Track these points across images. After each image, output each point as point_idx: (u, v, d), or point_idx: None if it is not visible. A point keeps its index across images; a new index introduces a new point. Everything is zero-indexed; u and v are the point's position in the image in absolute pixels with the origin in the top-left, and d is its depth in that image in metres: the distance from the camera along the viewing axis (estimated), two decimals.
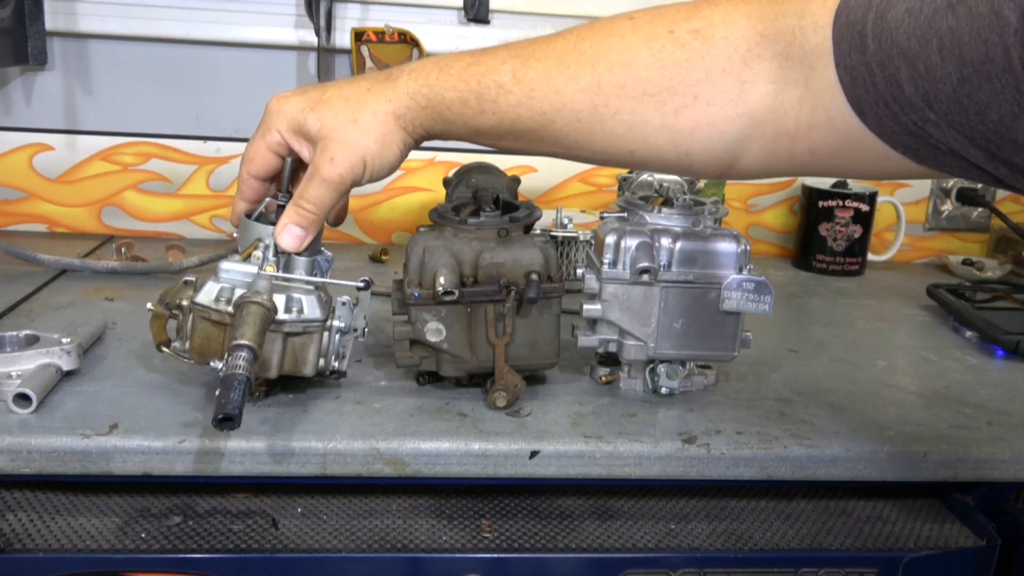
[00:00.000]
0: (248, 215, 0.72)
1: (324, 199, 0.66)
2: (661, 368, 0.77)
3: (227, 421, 0.57)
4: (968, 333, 1.00)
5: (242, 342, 0.61)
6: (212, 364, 0.66)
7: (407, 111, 0.65)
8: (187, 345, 0.70)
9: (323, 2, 1.15)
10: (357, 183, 0.67)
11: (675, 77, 0.56)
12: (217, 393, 0.58)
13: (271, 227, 0.69)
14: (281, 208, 0.72)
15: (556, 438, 0.69)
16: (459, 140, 0.67)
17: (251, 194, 0.71)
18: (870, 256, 1.30)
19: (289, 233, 0.67)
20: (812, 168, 0.57)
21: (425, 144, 1.22)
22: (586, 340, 0.77)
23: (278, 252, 0.69)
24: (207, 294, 0.68)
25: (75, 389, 0.72)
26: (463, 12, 1.20)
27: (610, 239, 0.75)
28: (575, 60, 0.59)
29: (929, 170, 0.52)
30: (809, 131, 0.54)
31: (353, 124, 0.65)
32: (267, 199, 0.72)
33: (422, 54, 1.20)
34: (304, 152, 0.67)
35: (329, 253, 0.76)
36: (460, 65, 0.63)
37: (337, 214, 0.73)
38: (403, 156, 0.67)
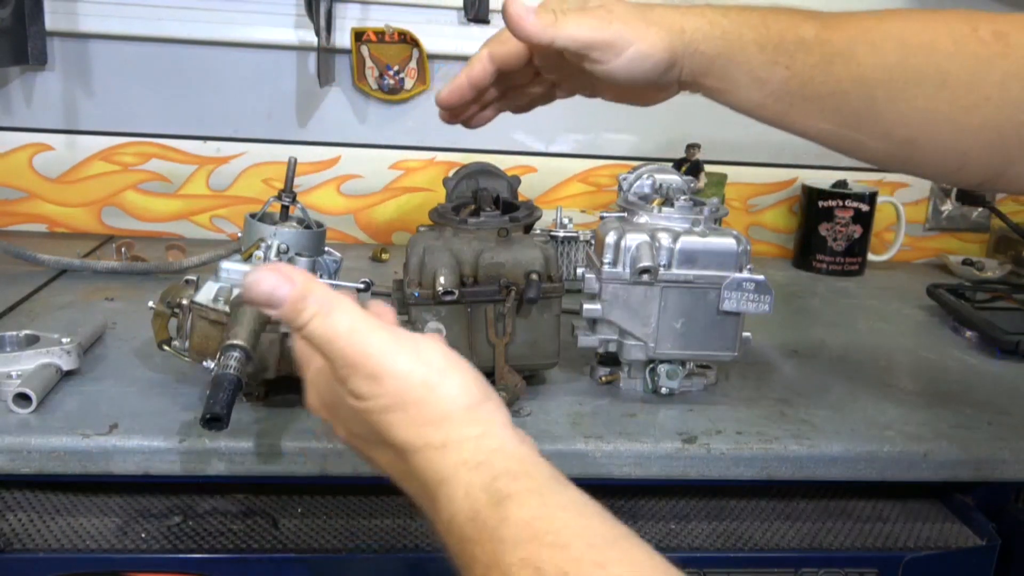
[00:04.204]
0: (252, 215, 0.72)
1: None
2: (661, 368, 0.77)
3: (215, 421, 0.57)
4: (968, 333, 1.00)
5: (234, 342, 0.60)
6: (205, 364, 0.66)
7: (696, 31, 0.61)
8: (187, 344, 0.70)
9: (323, 2, 1.14)
10: (605, 45, 0.60)
11: (975, 72, 0.57)
12: (207, 393, 0.58)
13: (273, 227, 0.70)
14: (285, 208, 0.72)
15: (556, 438, 0.69)
16: (719, 91, 0.62)
17: (479, 74, 0.65)
18: (870, 256, 1.30)
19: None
20: None
21: (425, 144, 1.22)
22: (586, 340, 0.77)
23: (280, 252, 0.69)
24: (206, 293, 0.68)
25: (75, 389, 0.72)
26: (463, 12, 1.20)
27: (610, 239, 0.75)
28: (880, 36, 0.59)
29: None
30: None
31: (637, 10, 0.61)
32: (270, 199, 0.72)
33: (422, 54, 1.20)
34: None
35: (337, 254, 0.76)
36: (761, 11, 0.61)
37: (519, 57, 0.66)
38: (662, 69, 0.61)
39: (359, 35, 1.19)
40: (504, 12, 0.61)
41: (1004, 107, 0.57)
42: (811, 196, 1.27)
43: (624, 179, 0.90)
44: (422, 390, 0.45)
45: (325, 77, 1.19)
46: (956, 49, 0.57)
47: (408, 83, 1.22)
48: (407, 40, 1.20)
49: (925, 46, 0.58)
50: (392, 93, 1.22)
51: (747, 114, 0.63)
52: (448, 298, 0.70)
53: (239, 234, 0.74)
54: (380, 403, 0.45)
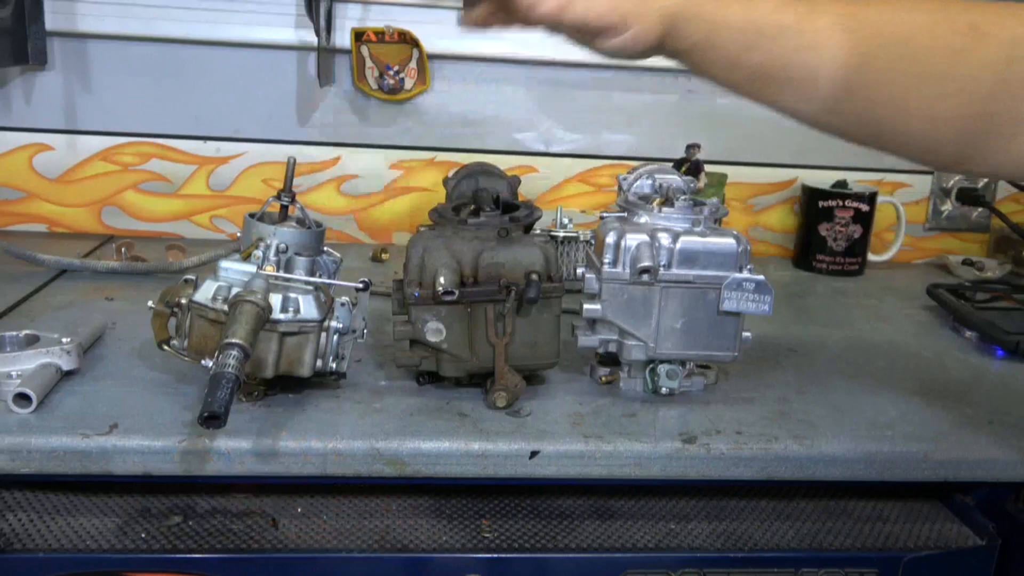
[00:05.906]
0: (252, 215, 0.72)
1: None
2: (661, 368, 0.77)
3: (213, 419, 0.57)
4: (968, 333, 1.00)
5: (233, 341, 0.60)
6: (204, 362, 0.66)
7: (685, 12, 0.62)
8: (186, 343, 0.70)
9: (323, 2, 1.15)
10: (609, 28, 0.62)
11: (949, 65, 0.57)
12: (205, 391, 0.58)
13: (273, 227, 0.70)
14: (284, 208, 0.72)
15: (556, 438, 0.69)
16: (702, 70, 0.64)
17: None
18: (870, 256, 1.30)
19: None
20: None
21: (425, 144, 1.22)
22: (586, 340, 0.77)
23: (279, 252, 0.69)
24: (204, 292, 0.68)
25: (75, 389, 0.72)
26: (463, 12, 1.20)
27: (610, 239, 0.75)
28: (858, 24, 0.60)
29: None
30: None
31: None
32: (270, 199, 0.72)
33: (422, 54, 1.20)
34: None
35: (337, 255, 0.76)
36: None
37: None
38: (650, 50, 0.64)
39: (359, 35, 1.19)
40: None
41: (975, 98, 0.57)
42: (811, 196, 1.27)
43: (624, 179, 0.90)
44: None
45: (325, 77, 1.19)
46: (932, 42, 0.58)
47: (408, 83, 1.22)
48: (407, 40, 1.20)
49: (902, 39, 0.59)
50: (392, 93, 1.22)
51: (723, 89, 0.65)
52: (448, 298, 0.70)
53: (239, 234, 0.74)
54: None
